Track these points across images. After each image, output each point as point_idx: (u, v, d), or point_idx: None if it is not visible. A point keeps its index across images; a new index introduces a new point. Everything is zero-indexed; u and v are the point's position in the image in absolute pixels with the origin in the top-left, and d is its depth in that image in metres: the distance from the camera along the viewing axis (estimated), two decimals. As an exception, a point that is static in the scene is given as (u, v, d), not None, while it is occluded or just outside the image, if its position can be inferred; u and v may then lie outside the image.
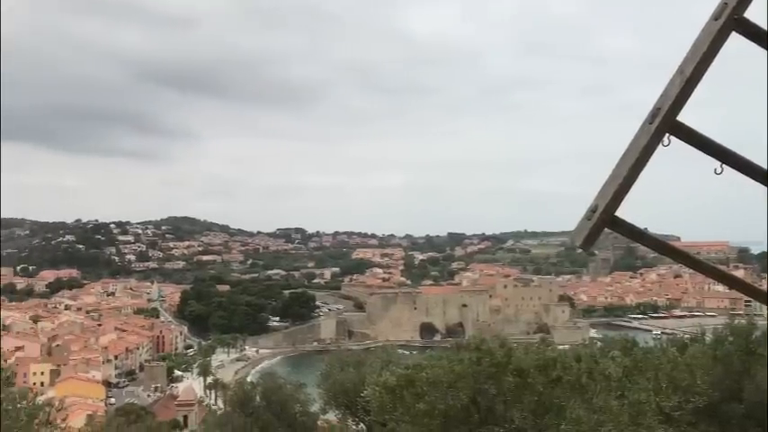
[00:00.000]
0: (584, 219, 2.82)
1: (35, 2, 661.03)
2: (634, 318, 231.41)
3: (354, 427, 26.30)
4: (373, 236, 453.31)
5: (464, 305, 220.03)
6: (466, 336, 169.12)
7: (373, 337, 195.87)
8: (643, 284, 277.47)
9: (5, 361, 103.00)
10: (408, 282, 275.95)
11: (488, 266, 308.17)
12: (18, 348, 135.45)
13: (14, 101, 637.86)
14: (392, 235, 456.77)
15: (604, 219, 2.75)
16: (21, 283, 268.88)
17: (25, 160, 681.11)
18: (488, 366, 16.18)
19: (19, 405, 12.45)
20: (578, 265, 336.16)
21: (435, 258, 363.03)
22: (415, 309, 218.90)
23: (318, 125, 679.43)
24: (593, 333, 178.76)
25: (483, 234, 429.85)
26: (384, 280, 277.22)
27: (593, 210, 2.78)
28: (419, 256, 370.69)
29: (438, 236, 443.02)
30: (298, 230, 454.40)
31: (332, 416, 28.85)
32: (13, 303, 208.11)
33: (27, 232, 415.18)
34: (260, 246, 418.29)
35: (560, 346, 20.91)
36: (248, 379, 71.26)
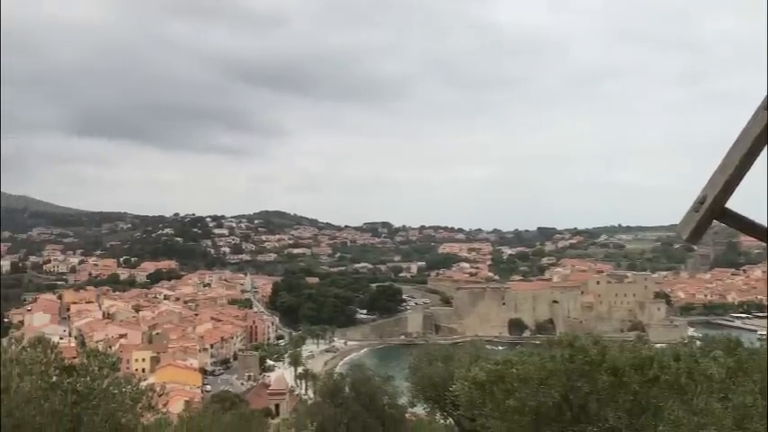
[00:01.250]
0: (690, 211, 2.64)
1: (133, 3, 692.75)
2: (736, 317, 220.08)
3: (443, 421, 26.20)
4: (460, 230, 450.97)
5: (554, 301, 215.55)
6: (556, 333, 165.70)
7: (460, 333, 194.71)
8: (747, 282, 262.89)
9: (110, 347, 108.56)
10: (496, 277, 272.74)
11: (580, 262, 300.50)
12: (121, 336, 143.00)
13: (116, 100, 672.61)
14: (479, 229, 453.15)
15: (713, 210, 2.57)
16: (123, 274, 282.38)
17: (126, 157, 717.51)
18: (582, 364, 15.73)
19: (124, 389, 13.10)
20: (675, 260, 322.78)
21: (524, 253, 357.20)
22: (504, 304, 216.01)
23: (404, 120, 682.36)
24: (691, 332, 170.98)
25: (575, 229, 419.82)
26: (471, 275, 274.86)
27: (701, 201, 2.60)
28: (507, 251, 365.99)
29: (527, 230, 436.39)
30: (384, 224, 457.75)
31: (420, 409, 28.86)
32: (117, 293, 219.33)
33: (129, 226, 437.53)
34: (347, 239, 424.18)
35: (657, 345, 20.01)
36: (337, 370, 72.33)
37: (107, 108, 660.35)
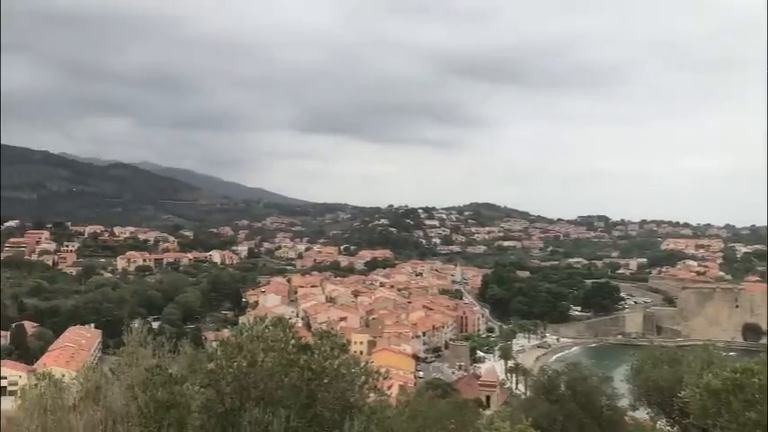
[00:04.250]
0: None
1: (353, 5, 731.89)
2: None
3: (668, 428, 24.55)
4: (686, 225, 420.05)
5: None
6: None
7: (685, 335, 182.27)
8: None
9: (332, 329, 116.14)
10: (728, 276, 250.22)
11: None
12: (342, 319, 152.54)
13: (338, 99, 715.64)
14: (709, 224, 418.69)
15: None
16: (344, 261, 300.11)
17: (346, 152, 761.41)
18: (841, 379, 13.93)
19: (353, 370, 13.98)
20: None
21: (762, 251, 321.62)
22: (737, 307, 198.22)
23: (624, 107, 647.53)
24: None
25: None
26: (699, 273, 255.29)
27: None
28: (742, 249, 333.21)
29: (766, 226, 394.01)
30: (600, 218, 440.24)
31: (642, 413, 27.33)
32: (338, 279, 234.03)
33: (348, 216, 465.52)
34: (560, 233, 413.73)
35: None
36: (549, 366, 70.61)
37: (330, 107, 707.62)
